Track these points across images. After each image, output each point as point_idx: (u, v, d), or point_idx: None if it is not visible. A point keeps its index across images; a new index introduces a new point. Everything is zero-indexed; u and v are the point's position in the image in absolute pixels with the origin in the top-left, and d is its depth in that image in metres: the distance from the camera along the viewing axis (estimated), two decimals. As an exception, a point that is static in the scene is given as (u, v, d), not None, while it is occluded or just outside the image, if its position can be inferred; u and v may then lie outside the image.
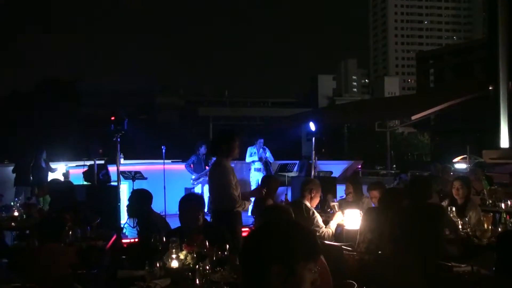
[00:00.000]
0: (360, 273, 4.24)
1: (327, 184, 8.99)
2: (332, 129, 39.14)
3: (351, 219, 5.58)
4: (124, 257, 4.67)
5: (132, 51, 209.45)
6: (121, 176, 7.73)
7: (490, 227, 4.98)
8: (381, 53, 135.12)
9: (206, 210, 6.57)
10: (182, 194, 9.55)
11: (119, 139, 7.06)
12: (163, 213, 8.80)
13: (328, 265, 3.23)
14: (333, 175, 11.79)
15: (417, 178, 8.40)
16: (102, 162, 10.08)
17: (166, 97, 78.92)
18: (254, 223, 5.12)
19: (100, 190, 8.83)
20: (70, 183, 7.89)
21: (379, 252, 4.54)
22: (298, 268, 1.71)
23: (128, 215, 6.48)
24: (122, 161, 9.64)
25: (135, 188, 8.69)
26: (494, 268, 4.17)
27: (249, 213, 10.43)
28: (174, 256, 3.37)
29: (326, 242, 5.06)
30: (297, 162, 12.27)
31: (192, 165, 10.59)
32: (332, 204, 6.46)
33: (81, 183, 9.61)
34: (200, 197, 4.21)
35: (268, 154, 11.14)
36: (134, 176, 9.83)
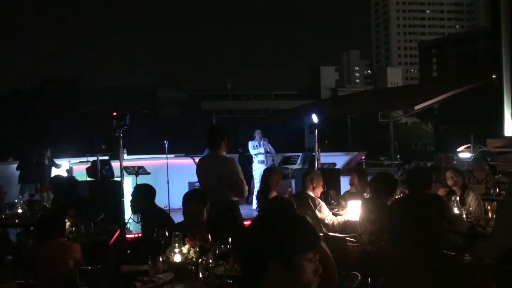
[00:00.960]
0: (364, 264, 4.23)
1: (331, 176, 8.98)
2: (335, 121, 39.04)
3: (354, 210, 5.58)
4: (128, 252, 4.68)
5: (133, 46, 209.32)
6: (124, 172, 7.75)
7: (494, 216, 4.97)
8: (384, 43, 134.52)
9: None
10: (186, 188, 9.61)
11: (121, 135, 7.08)
12: (167, 208, 8.82)
13: (332, 256, 3.23)
14: (336, 167, 11.78)
15: (415, 168, 8.42)
16: (106, 158, 10.09)
17: (169, 92, 78.97)
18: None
19: (103, 185, 8.85)
20: (73, 179, 7.89)
21: (382, 243, 4.54)
22: (296, 261, 1.69)
23: (131, 210, 6.50)
24: (125, 156, 9.66)
25: (138, 183, 8.70)
26: (498, 257, 4.16)
27: (253, 206, 10.50)
28: (177, 250, 3.37)
29: (330, 233, 5.07)
30: (300, 154, 12.26)
31: None
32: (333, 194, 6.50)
33: (85, 179, 9.63)
34: (204, 192, 4.20)
35: (269, 145, 11.10)
36: (137, 171, 9.84)
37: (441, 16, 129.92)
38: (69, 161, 12.06)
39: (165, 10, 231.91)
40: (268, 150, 11.02)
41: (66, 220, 4.71)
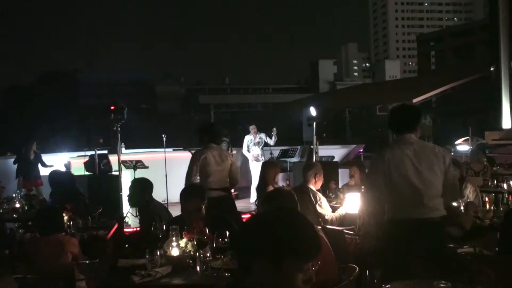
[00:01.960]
0: (362, 257, 4.23)
1: (329, 169, 8.98)
2: (333, 114, 39.04)
3: (352, 203, 5.58)
4: (126, 246, 4.69)
5: (132, 40, 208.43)
6: (122, 166, 7.73)
7: (492, 207, 4.98)
8: (382, 36, 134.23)
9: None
10: (183, 182, 9.58)
11: (119, 129, 7.06)
12: (165, 202, 8.81)
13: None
14: (334, 160, 11.78)
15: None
16: (104, 152, 10.07)
17: (167, 86, 78.84)
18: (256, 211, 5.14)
19: (101, 180, 8.84)
20: (70, 173, 7.88)
21: (380, 235, 4.53)
22: (285, 264, 1.60)
23: (129, 204, 6.49)
24: (123, 150, 9.64)
25: (136, 177, 8.69)
26: (496, 249, 4.17)
27: (252, 200, 10.50)
28: (174, 244, 3.37)
29: (328, 226, 5.06)
30: (299, 147, 12.26)
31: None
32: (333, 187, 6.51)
33: (83, 173, 9.61)
34: (203, 189, 4.16)
35: (267, 137, 11.07)
36: (135, 165, 9.82)
37: (439, 9, 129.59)
38: (68, 155, 12.04)
39: (164, 3, 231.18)
40: (267, 141, 11.00)
41: (64, 215, 4.71)
